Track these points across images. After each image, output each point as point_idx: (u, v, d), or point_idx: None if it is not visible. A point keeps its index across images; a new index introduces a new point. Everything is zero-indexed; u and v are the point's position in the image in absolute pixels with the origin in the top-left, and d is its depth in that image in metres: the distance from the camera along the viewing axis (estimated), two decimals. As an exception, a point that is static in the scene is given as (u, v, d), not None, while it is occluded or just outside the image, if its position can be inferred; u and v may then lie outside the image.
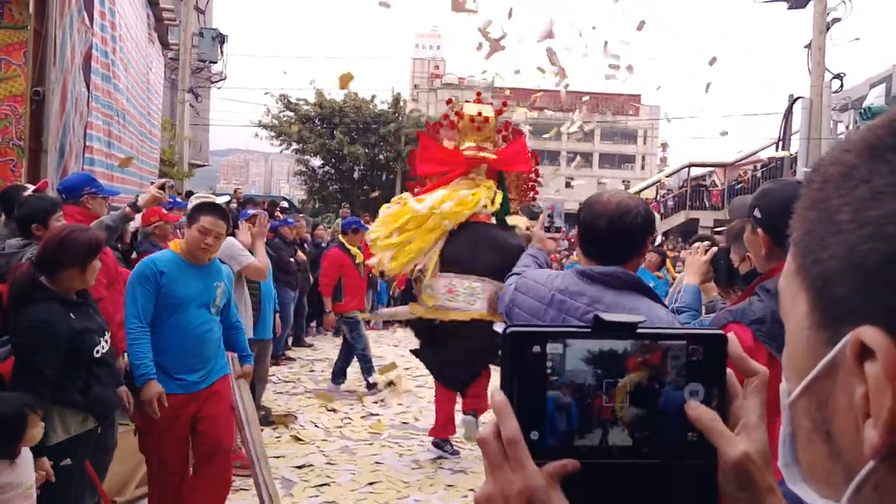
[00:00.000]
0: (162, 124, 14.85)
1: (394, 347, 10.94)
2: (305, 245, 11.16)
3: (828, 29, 14.94)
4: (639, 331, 0.72)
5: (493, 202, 5.17)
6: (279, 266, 8.07)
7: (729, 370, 0.71)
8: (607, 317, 0.71)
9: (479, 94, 5.85)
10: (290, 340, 10.22)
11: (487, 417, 3.62)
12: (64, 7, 7.15)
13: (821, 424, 0.48)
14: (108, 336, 3.38)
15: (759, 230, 2.19)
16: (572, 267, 2.49)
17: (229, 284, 4.10)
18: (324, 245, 11.87)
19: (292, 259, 8.92)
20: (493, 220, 5.32)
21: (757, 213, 2.20)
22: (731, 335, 0.72)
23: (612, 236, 2.21)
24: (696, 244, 2.94)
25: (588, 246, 2.31)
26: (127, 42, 10.00)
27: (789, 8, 16.24)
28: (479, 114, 5.44)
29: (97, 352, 3.26)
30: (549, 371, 0.70)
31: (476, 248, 5.08)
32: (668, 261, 9.16)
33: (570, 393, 0.70)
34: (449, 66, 66.48)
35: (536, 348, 0.70)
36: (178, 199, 7.98)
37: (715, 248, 2.80)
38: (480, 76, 50.00)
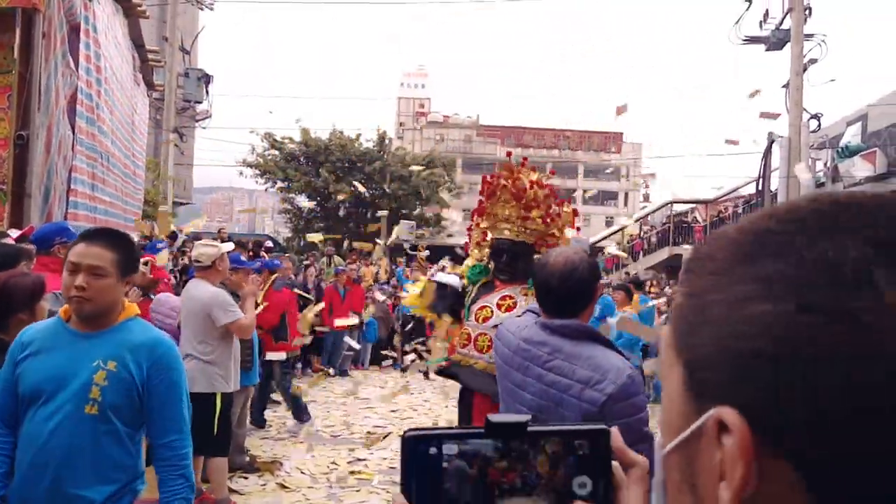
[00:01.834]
0: (146, 165, 14.84)
1: (379, 389, 10.84)
2: (294, 286, 11.07)
3: (805, 70, 15.26)
4: (529, 429, 0.74)
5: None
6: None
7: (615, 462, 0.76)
8: (496, 418, 0.74)
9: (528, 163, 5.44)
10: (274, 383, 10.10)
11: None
12: (49, 51, 7.17)
13: (688, 478, 0.56)
14: None
15: None
16: (536, 319, 2.51)
17: (144, 365, 2.49)
18: (309, 287, 11.81)
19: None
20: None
21: None
22: (613, 429, 0.76)
23: (564, 292, 2.40)
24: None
25: (544, 301, 2.48)
26: (112, 84, 10.02)
27: (767, 49, 16.59)
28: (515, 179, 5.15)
29: None
30: (445, 468, 0.72)
31: None
32: (634, 296, 9.18)
33: (458, 491, 0.72)
34: (434, 105, 67.18)
35: (433, 450, 0.72)
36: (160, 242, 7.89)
37: None
38: (465, 115, 50.38)
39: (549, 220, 4.73)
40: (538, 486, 0.73)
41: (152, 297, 5.69)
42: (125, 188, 11.42)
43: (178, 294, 7.88)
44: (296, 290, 9.29)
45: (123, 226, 11.25)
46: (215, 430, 4.94)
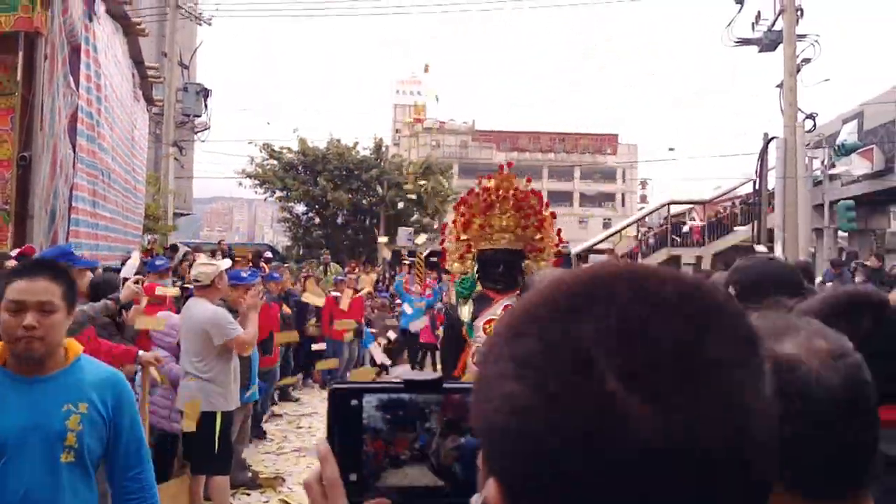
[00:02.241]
0: (147, 179, 14.94)
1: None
2: (292, 298, 11.15)
3: (798, 71, 15.36)
4: (444, 386, 0.84)
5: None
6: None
7: None
8: (412, 376, 0.84)
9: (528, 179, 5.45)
10: (276, 395, 10.17)
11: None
12: (53, 73, 7.27)
13: None
14: None
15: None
16: None
17: (110, 402, 2.36)
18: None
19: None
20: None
21: (732, 290, 2.24)
22: None
23: None
24: None
25: None
26: (112, 102, 10.14)
27: (760, 51, 16.68)
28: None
29: None
30: (364, 421, 0.81)
31: None
32: None
33: (376, 440, 0.82)
34: (430, 112, 67.26)
35: (354, 402, 0.82)
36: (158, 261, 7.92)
37: None
38: (461, 121, 50.56)
39: (539, 225, 4.82)
40: (447, 434, 0.83)
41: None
42: (126, 203, 11.53)
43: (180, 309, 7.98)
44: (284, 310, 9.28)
45: (124, 240, 11.36)
46: (216, 448, 5.00)
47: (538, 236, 4.81)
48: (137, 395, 5.11)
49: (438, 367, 5.21)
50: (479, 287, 4.64)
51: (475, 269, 4.73)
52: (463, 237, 4.87)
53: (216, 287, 5.13)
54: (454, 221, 4.94)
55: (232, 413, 5.31)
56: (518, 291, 4.64)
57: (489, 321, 4.45)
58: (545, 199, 5.06)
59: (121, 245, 11.01)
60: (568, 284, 0.58)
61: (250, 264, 13.82)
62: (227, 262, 5.55)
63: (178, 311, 6.24)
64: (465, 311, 4.56)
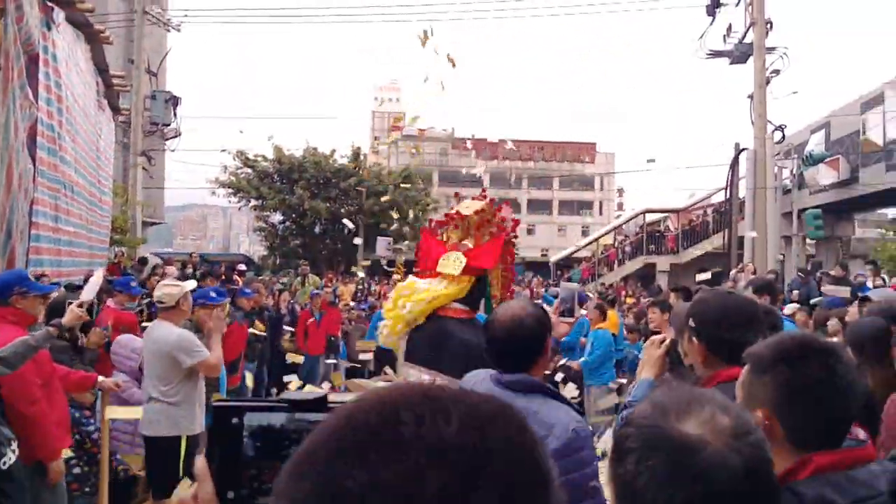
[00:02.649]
0: (113, 190, 14.72)
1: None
2: (266, 312, 10.98)
3: (768, 83, 15.53)
4: (329, 405, 0.83)
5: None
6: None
7: None
8: (297, 396, 0.84)
9: (483, 191, 5.36)
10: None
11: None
12: (7, 85, 7.10)
13: None
14: (15, 446, 3.17)
15: (695, 339, 2.24)
16: (490, 374, 2.49)
17: None
18: (283, 312, 11.73)
19: (250, 330, 8.80)
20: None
21: (692, 323, 2.26)
22: None
23: (511, 347, 2.42)
24: (652, 337, 2.90)
25: (494, 357, 2.49)
26: (74, 112, 9.96)
27: (731, 63, 16.85)
28: (457, 212, 5.09)
29: (3, 463, 3.06)
30: (245, 439, 0.81)
31: (437, 345, 4.86)
32: (608, 312, 9.17)
33: (256, 459, 0.81)
34: (409, 119, 67.22)
35: (235, 420, 0.81)
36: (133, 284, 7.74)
37: (669, 341, 2.71)
38: (440, 129, 50.53)
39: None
40: None
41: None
42: (91, 217, 11.32)
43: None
44: (252, 331, 9.11)
45: (89, 255, 11.16)
46: (181, 472, 4.88)
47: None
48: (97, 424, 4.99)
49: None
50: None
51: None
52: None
53: (180, 309, 5.00)
54: (447, 238, 4.69)
55: (198, 436, 5.20)
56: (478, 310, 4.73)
57: None
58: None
59: (86, 259, 10.81)
60: (352, 422, 0.57)
61: (223, 277, 13.69)
62: (191, 284, 5.41)
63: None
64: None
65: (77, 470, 4.71)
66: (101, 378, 4.92)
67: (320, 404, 0.83)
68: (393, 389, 0.60)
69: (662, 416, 1.02)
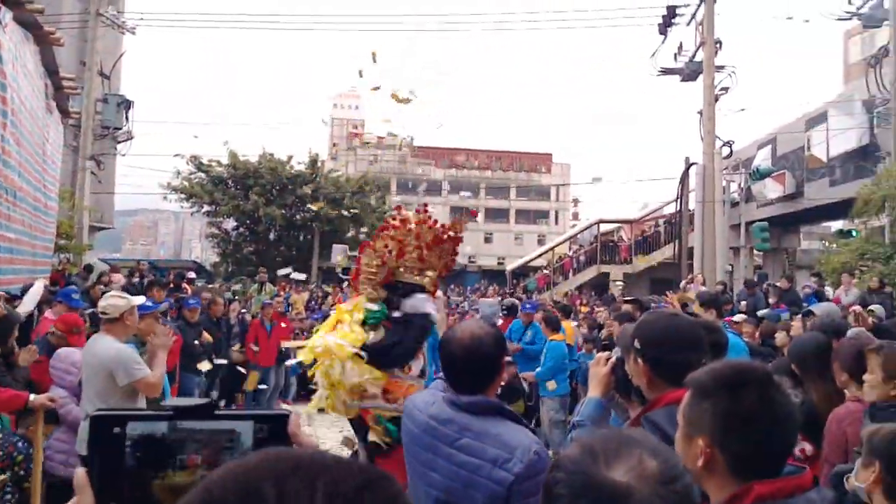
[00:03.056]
0: (60, 195, 14.33)
1: (305, 428, 10.67)
2: (220, 323, 10.78)
3: (717, 100, 15.90)
4: (217, 412, 0.83)
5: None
6: (182, 350, 7.80)
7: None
8: (182, 402, 0.84)
9: (425, 206, 5.34)
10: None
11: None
12: (-52, 87, 6.87)
13: None
14: None
15: (640, 361, 2.24)
16: (444, 394, 2.44)
17: None
18: (232, 323, 11.53)
19: (196, 342, 8.61)
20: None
21: (636, 344, 2.26)
22: (292, 415, 0.86)
23: (470, 367, 2.38)
24: (598, 355, 2.85)
25: (451, 378, 2.43)
26: (20, 115, 9.67)
27: (682, 80, 17.22)
28: (401, 220, 5.02)
29: None
30: (128, 448, 0.80)
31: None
32: (562, 323, 9.23)
33: (139, 468, 0.80)
34: (368, 126, 67.07)
35: (117, 429, 0.81)
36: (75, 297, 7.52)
37: (615, 359, 2.67)
38: (401, 135, 50.54)
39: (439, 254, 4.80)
40: (215, 462, 0.80)
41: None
42: (34, 223, 10.99)
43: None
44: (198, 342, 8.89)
45: (32, 262, 10.84)
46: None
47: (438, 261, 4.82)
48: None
49: None
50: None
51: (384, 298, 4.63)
52: (393, 264, 4.69)
53: (125, 323, 4.79)
54: (385, 247, 4.66)
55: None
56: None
57: None
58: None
59: (28, 267, 10.49)
60: (211, 499, 0.57)
61: (171, 286, 13.42)
62: (139, 299, 5.19)
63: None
64: (374, 337, 4.44)
65: (8, 496, 4.51)
66: (32, 396, 4.71)
67: (205, 412, 0.82)
68: (262, 459, 0.58)
69: (591, 462, 1.03)
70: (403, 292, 4.61)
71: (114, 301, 4.87)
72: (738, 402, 1.39)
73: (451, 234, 4.73)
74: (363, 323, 4.60)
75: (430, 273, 4.72)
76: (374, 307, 4.64)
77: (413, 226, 4.69)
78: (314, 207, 27.09)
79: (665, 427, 1.86)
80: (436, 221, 4.77)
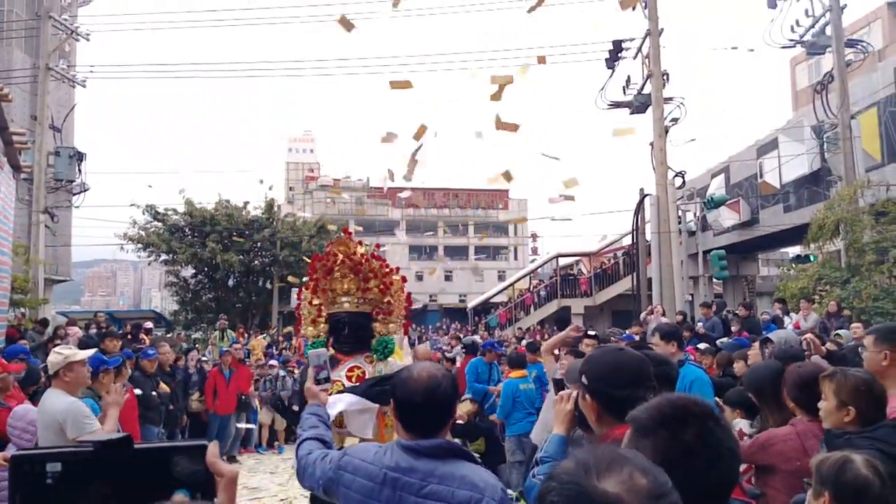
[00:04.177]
0: (14, 249, 14.05)
1: (270, 475, 10.49)
2: (177, 372, 10.63)
3: (667, 132, 16.29)
4: (135, 447, 0.85)
5: None
6: (140, 402, 7.65)
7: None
8: (102, 437, 0.86)
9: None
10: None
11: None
12: None
13: None
14: None
15: (588, 397, 2.27)
16: (397, 441, 2.40)
17: None
18: (191, 371, 11.34)
19: (154, 393, 8.46)
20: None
21: (584, 380, 2.29)
22: (211, 445, 0.90)
23: (429, 409, 2.34)
24: (561, 392, 2.84)
25: (408, 420, 2.37)
26: (-30, 172, 9.55)
27: (631, 113, 17.61)
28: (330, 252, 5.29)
29: None
30: (49, 485, 0.81)
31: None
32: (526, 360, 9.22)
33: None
34: (324, 169, 67.03)
35: (38, 468, 0.81)
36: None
37: (577, 395, 2.62)
38: (356, 178, 50.42)
39: (384, 288, 5.01)
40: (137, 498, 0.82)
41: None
42: (-13, 279, 10.78)
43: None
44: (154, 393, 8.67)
45: (-14, 319, 10.59)
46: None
47: (385, 299, 4.98)
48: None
49: None
50: (331, 350, 4.73)
51: (327, 332, 4.90)
52: (315, 301, 5.02)
53: (62, 379, 4.68)
54: (306, 286, 5.07)
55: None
56: (366, 353, 4.88)
57: (334, 381, 4.49)
58: (394, 266, 5.35)
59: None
60: None
61: (129, 337, 13.16)
62: (86, 353, 5.07)
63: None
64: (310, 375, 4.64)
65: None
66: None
67: (125, 446, 0.84)
68: None
69: (584, 474, 1.08)
70: (346, 321, 4.87)
71: (51, 357, 4.80)
72: (677, 437, 1.42)
73: (340, 257, 4.97)
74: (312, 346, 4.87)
75: (348, 298, 4.96)
76: (314, 343, 4.92)
77: (330, 260, 4.99)
78: (282, 251, 26.96)
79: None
80: (354, 251, 5.06)
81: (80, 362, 4.71)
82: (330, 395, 4.37)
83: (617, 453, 1.14)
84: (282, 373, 12.94)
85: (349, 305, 4.90)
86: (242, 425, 11.69)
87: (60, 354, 4.69)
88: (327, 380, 3.21)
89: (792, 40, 17.00)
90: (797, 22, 16.80)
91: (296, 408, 12.11)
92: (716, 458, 1.41)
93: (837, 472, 2.21)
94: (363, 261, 4.98)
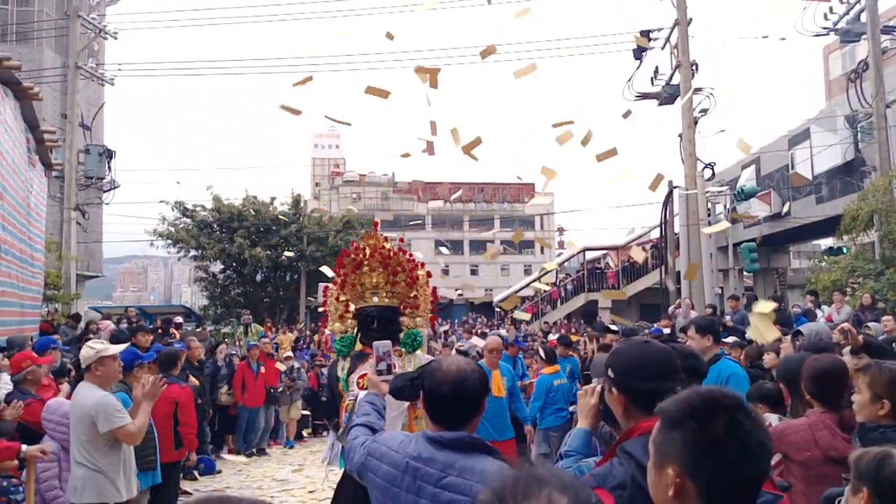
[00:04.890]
0: (46, 246, 14.29)
1: (297, 468, 10.56)
2: (205, 366, 10.77)
3: (696, 123, 16.07)
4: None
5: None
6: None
7: None
8: None
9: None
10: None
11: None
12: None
13: None
14: None
15: (614, 390, 2.23)
16: (423, 432, 2.44)
17: None
18: (220, 365, 11.46)
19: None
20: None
21: (610, 373, 2.25)
22: None
23: (456, 402, 2.37)
24: (585, 387, 2.81)
25: (434, 412, 2.42)
26: (2, 170, 9.69)
27: (660, 104, 17.41)
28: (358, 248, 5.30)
29: None
30: None
31: None
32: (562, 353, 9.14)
33: None
34: (349, 164, 67.33)
35: None
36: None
37: (601, 389, 2.58)
38: (381, 173, 50.54)
39: (411, 282, 5.01)
40: None
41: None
42: (21, 274, 10.94)
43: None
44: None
45: (20, 313, 10.77)
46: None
47: (412, 293, 5.00)
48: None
49: None
50: (358, 345, 4.80)
51: (355, 327, 4.92)
52: (342, 297, 5.03)
53: (94, 373, 4.75)
54: (333, 282, 5.04)
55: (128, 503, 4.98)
56: (395, 347, 4.79)
57: (362, 376, 4.49)
58: (421, 259, 5.38)
59: (17, 319, 10.43)
60: None
61: (160, 331, 13.32)
62: (117, 348, 5.13)
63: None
64: (340, 368, 4.69)
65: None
66: (24, 447, 4.70)
67: None
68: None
69: None
70: (375, 315, 4.84)
71: (84, 351, 4.86)
72: (706, 429, 1.38)
73: (368, 251, 4.96)
74: (337, 354, 4.89)
75: (378, 292, 4.94)
76: (338, 340, 4.96)
77: (359, 255, 4.97)
78: (286, 255, 27.07)
79: (640, 457, 1.85)
80: (383, 245, 5.04)
81: (111, 357, 4.77)
82: (361, 387, 4.41)
83: (534, 475, 1.09)
84: (296, 364, 13.02)
85: (378, 300, 4.90)
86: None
87: (92, 349, 4.75)
88: (389, 370, 3.24)
89: (825, 28, 16.67)
90: (830, 9, 16.47)
91: (324, 398, 12.24)
92: (745, 450, 1.37)
93: (877, 468, 2.14)
94: (392, 255, 4.99)
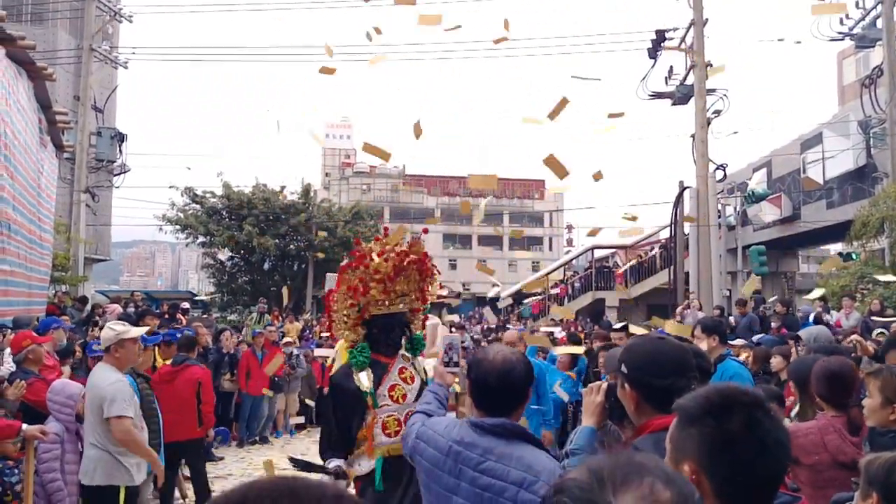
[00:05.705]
0: (56, 227, 14.33)
1: (300, 457, 10.56)
2: (209, 352, 10.78)
3: (709, 123, 15.98)
4: None
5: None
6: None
7: None
8: None
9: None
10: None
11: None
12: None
13: None
14: None
15: (627, 386, 2.21)
16: (468, 418, 2.51)
17: None
18: (230, 352, 11.46)
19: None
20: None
21: (624, 369, 2.23)
22: None
23: (501, 391, 2.42)
24: (591, 384, 2.79)
25: (479, 399, 2.47)
26: (14, 150, 9.71)
27: (673, 104, 17.32)
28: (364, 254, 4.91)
29: None
30: None
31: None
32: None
33: None
34: (360, 155, 67.31)
35: None
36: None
37: (606, 386, 2.62)
38: (391, 165, 50.41)
39: (423, 277, 4.75)
40: None
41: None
42: (30, 255, 10.98)
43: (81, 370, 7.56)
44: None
45: (28, 294, 10.81)
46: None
47: (422, 286, 4.77)
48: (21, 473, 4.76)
49: None
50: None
51: (365, 335, 4.55)
52: (358, 302, 4.57)
53: (113, 356, 4.73)
54: (350, 288, 4.57)
55: (138, 488, 4.97)
56: (401, 353, 4.59)
57: (392, 386, 4.36)
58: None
59: (24, 299, 10.47)
60: None
61: (166, 316, 13.36)
62: (139, 330, 5.07)
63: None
64: (365, 379, 4.37)
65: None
66: (24, 426, 4.68)
67: None
68: (259, 484, 0.63)
69: (599, 488, 0.95)
70: (383, 324, 4.55)
71: (104, 332, 4.82)
72: (723, 426, 1.36)
73: (412, 257, 4.64)
74: (354, 366, 4.56)
75: (405, 299, 4.65)
76: (356, 350, 4.55)
77: (372, 260, 4.58)
78: (319, 236, 27.03)
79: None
80: (393, 250, 4.66)
81: (131, 339, 4.72)
82: (397, 400, 4.33)
83: (636, 462, 1.00)
84: (296, 351, 12.97)
85: (403, 305, 4.60)
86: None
87: (113, 330, 4.70)
88: (456, 364, 3.27)
89: (841, 33, 16.54)
90: (846, 14, 16.33)
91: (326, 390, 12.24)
92: (763, 448, 1.34)
93: (887, 473, 2.11)
94: (424, 257, 4.70)
